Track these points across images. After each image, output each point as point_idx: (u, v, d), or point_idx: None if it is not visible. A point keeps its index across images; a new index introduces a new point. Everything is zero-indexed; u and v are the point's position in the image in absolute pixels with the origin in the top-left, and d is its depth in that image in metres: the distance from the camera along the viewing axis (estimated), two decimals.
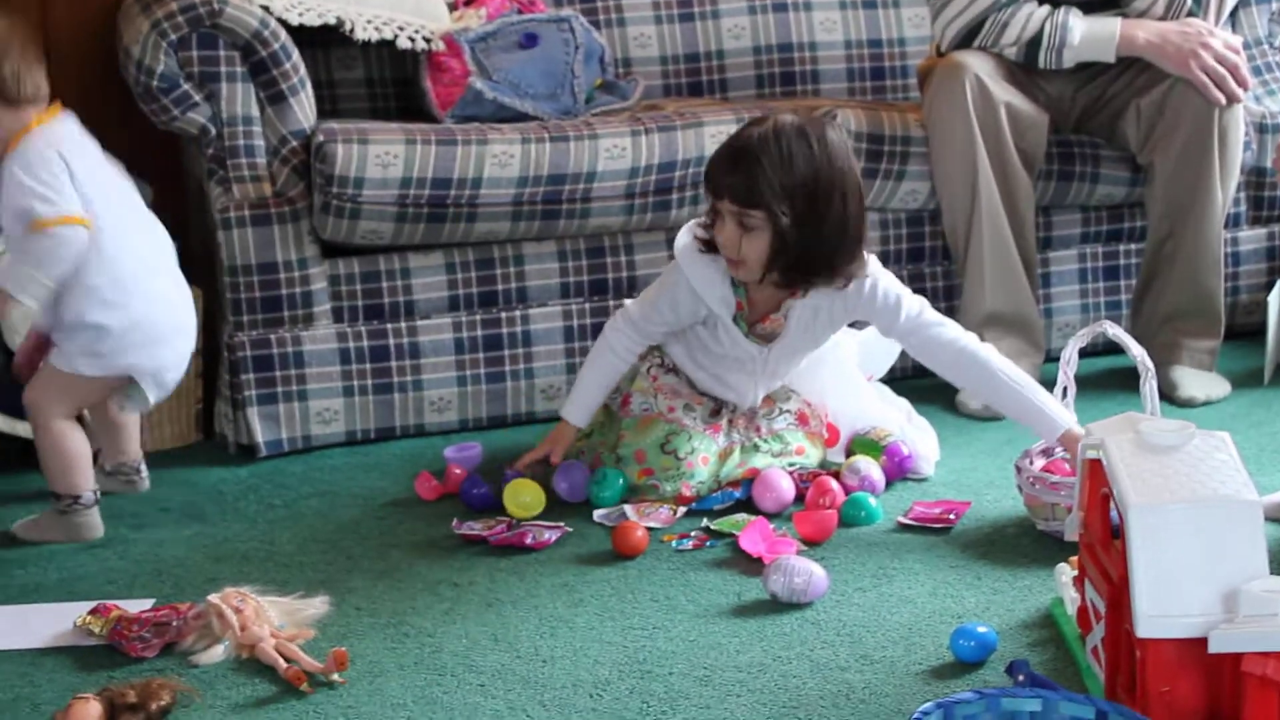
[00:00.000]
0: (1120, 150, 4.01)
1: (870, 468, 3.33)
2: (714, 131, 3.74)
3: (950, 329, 3.26)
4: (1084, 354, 3.53)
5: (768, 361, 3.35)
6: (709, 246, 3.24)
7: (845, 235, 3.17)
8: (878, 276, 3.26)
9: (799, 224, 3.13)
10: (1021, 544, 3.06)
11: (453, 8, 4.02)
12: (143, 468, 3.46)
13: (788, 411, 3.40)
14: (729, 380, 3.38)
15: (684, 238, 3.30)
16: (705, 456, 3.30)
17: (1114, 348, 3.69)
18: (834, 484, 3.23)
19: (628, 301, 3.43)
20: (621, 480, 3.29)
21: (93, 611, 2.84)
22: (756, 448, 3.34)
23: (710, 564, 3.03)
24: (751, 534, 3.05)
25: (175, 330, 3.30)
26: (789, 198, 3.12)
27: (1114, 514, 2.53)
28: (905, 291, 3.27)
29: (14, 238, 3.15)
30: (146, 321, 3.22)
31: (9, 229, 3.16)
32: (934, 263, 4.03)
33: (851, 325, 3.44)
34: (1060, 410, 3.13)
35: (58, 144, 3.15)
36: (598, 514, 3.25)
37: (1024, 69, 3.89)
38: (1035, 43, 3.84)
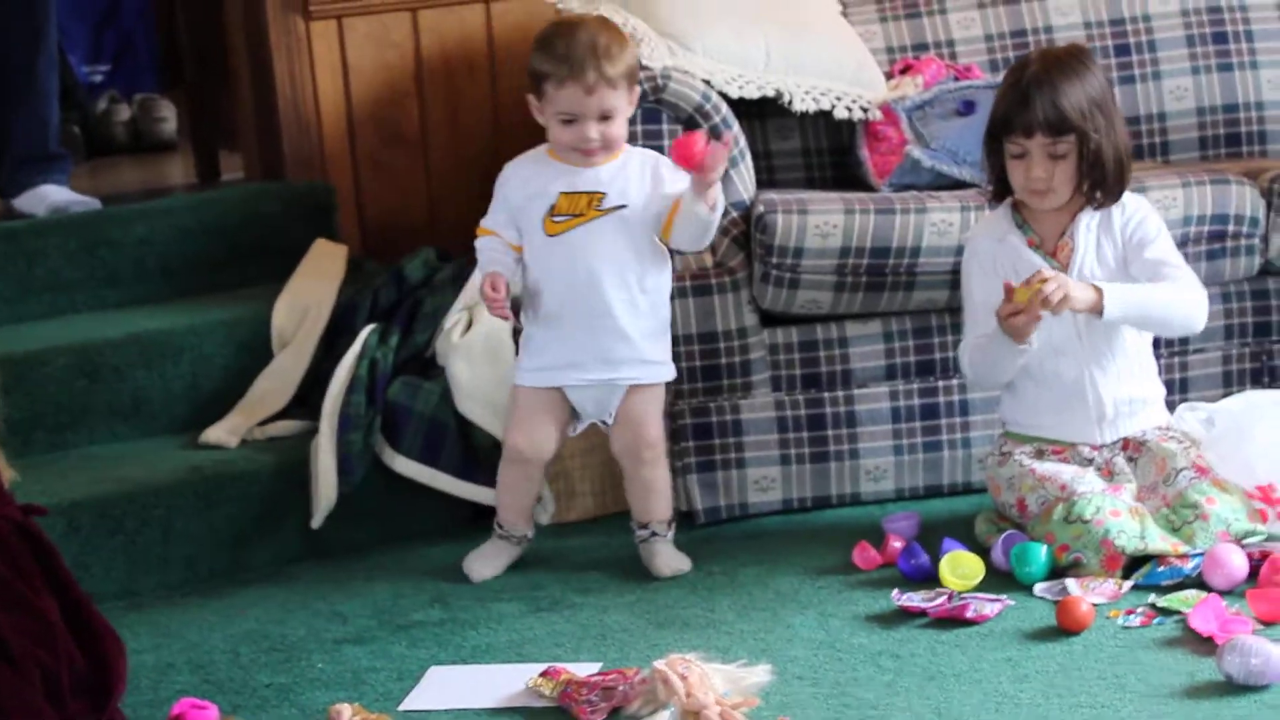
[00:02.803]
0: None
1: None
2: (1159, 196, 3.65)
3: (1177, 278, 3.35)
4: None
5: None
6: (999, 195, 3.46)
7: (1127, 140, 3.41)
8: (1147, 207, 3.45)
9: (1102, 137, 3.32)
10: None
11: (889, 76, 4.03)
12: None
13: (1183, 470, 3.30)
14: (1065, 380, 3.37)
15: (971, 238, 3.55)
16: (1115, 510, 3.23)
17: None
18: None
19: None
20: (1045, 552, 3.23)
21: (543, 674, 2.92)
22: (1171, 524, 3.24)
23: (1159, 642, 2.95)
24: (1203, 612, 2.96)
25: None
26: (1091, 116, 3.32)
27: None
28: (1165, 234, 3.42)
29: None
30: None
31: None
32: None
33: None
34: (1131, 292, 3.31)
35: None
36: (1039, 588, 3.20)
37: None
38: None
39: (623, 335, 3.39)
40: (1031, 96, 3.32)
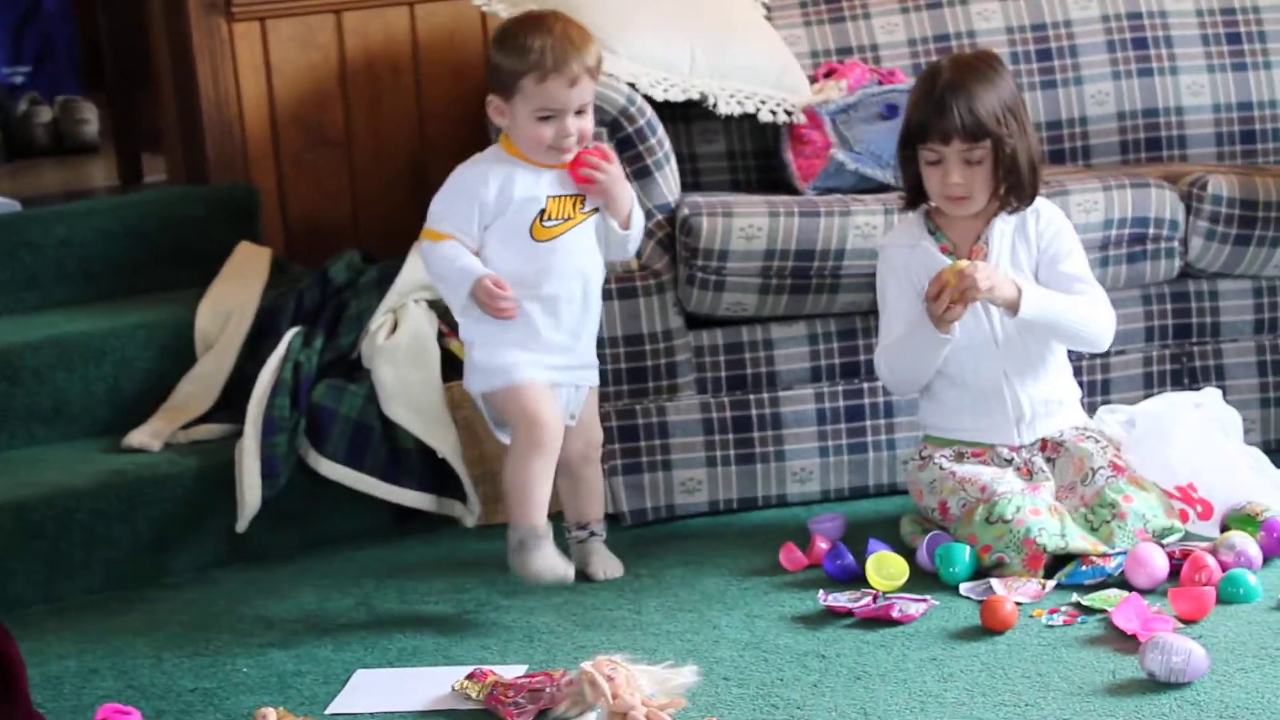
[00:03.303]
0: None
1: (1247, 544, 3.23)
2: (1081, 199, 3.69)
3: (1091, 296, 3.39)
4: None
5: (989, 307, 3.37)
6: (913, 203, 3.46)
7: (1038, 143, 3.45)
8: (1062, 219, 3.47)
9: (1016, 141, 3.34)
10: None
11: (813, 80, 4.04)
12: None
13: (1101, 469, 3.33)
14: (983, 382, 3.40)
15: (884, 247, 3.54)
16: (1035, 509, 3.26)
17: None
18: (1210, 560, 3.14)
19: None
20: (968, 553, 3.26)
21: (470, 676, 2.92)
22: (1090, 524, 3.27)
23: (1082, 640, 2.97)
24: (1125, 610, 2.98)
25: None
26: (1005, 121, 3.34)
27: None
28: (1080, 250, 3.45)
29: None
30: None
31: None
32: None
33: None
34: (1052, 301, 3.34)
35: None
36: (963, 588, 3.22)
37: None
38: None
39: (591, 337, 3.38)
40: (947, 103, 3.34)
